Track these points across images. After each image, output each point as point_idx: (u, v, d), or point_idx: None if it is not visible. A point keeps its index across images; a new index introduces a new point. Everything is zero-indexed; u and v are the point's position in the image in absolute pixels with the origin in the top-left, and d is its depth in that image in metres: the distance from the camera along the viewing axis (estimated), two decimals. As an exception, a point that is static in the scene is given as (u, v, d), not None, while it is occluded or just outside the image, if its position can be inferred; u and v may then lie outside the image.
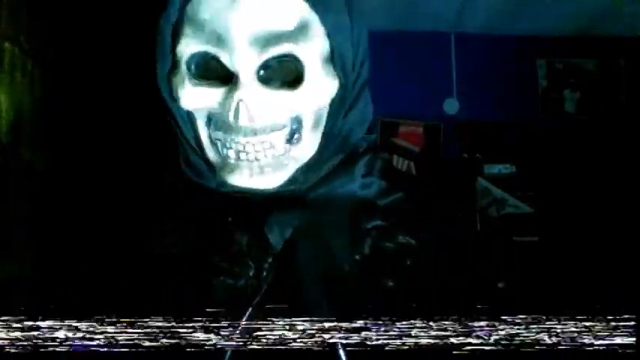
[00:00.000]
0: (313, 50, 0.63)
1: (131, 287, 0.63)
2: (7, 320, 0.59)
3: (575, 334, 0.60)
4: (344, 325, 0.59)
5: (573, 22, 2.52)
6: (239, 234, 0.65)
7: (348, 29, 0.65)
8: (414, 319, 0.59)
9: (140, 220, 0.69)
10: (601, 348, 0.59)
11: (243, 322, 0.59)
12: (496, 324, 0.60)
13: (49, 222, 1.29)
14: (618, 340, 0.59)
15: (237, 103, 0.61)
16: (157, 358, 0.58)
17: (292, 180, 0.66)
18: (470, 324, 0.59)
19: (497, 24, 2.57)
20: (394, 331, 0.59)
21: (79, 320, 0.59)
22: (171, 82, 0.65)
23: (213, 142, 0.65)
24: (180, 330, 0.58)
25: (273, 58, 0.62)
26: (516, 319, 0.60)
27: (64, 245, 0.71)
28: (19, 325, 0.59)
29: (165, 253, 0.65)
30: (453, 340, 0.59)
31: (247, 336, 0.58)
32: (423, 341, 0.58)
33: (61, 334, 0.59)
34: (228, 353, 0.59)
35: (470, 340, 0.59)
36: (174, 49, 0.64)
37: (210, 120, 0.65)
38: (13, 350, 0.58)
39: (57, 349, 0.58)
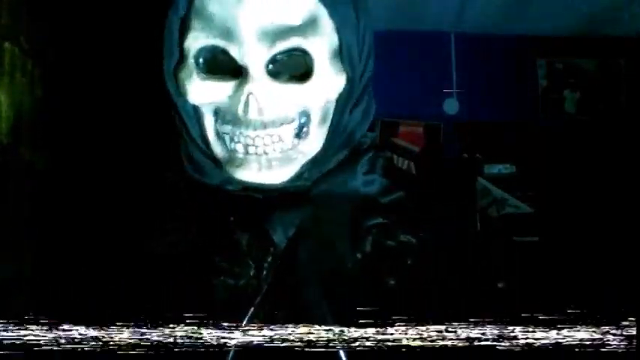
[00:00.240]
0: (322, 44, 0.63)
1: (131, 287, 0.63)
2: (5, 322, 0.59)
3: (575, 334, 0.60)
4: (344, 325, 0.59)
5: (573, 22, 2.51)
6: (240, 233, 0.65)
7: (355, 24, 0.66)
8: (414, 319, 0.59)
9: (140, 219, 0.69)
10: (601, 348, 0.59)
11: (244, 322, 0.59)
12: (496, 324, 0.60)
13: (50, 222, 1.29)
14: (617, 341, 0.59)
15: (247, 97, 0.61)
16: (157, 358, 0.58)
17: (298, 175, 0.66)
18: (470, 324, 0.59)
19: (498, 24, 2.56)
20: (394, 331, 0.58)
21: (78, 321, 0.59)
22: (178, 77, 0.65)
23: (220, 137, 0.65)
24: (180, 330, 0.58)
25: (283, 51, 0.62)
26: (516, 319, 0.60)
27: (65, 245, 0.71)
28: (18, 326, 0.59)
29: (166, 252, 0.65)
30: (452, 340, 0.59)
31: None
32: (423, 341, 0.58)
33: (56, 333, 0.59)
34: (231, 353, 0.59)
35: (470, 340, 0.59)
36: (181, 44, 0.64)
37: (217, 114, 0.64)
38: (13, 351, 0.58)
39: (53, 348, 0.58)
